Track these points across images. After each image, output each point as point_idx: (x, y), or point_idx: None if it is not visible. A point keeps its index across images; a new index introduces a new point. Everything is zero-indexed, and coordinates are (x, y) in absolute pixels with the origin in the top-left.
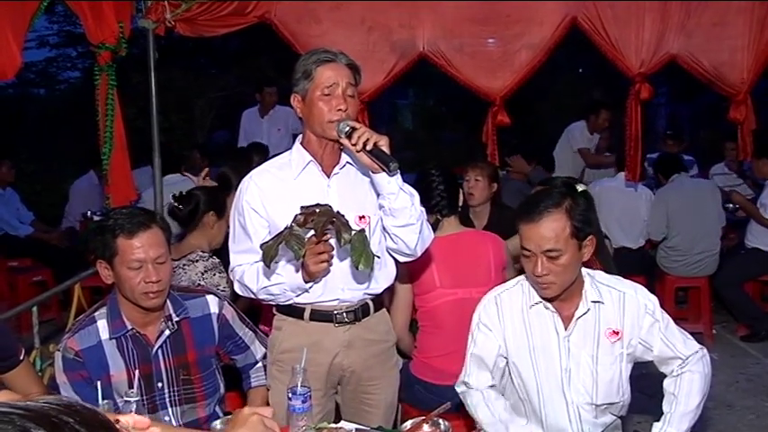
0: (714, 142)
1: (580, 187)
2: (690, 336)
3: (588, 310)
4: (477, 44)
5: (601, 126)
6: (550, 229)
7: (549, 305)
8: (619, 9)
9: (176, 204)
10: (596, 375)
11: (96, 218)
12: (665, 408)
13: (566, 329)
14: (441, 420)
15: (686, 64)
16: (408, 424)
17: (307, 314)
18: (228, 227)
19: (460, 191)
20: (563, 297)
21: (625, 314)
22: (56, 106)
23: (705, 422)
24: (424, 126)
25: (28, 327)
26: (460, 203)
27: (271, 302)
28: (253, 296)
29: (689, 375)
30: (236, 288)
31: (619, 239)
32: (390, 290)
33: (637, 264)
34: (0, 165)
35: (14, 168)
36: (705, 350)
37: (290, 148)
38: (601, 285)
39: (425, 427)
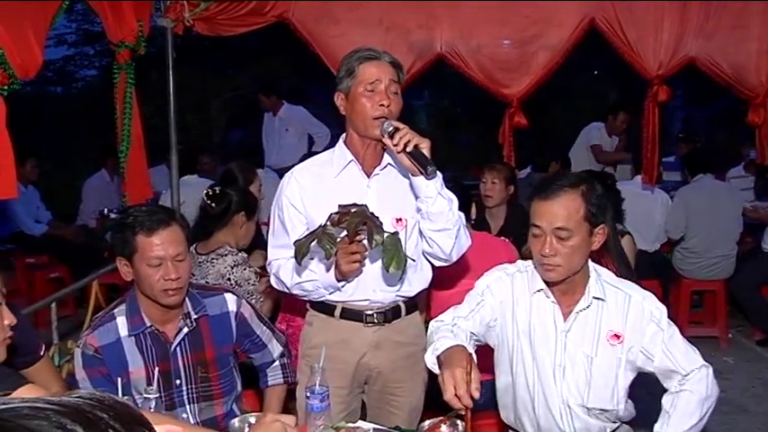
0: (731, 146)
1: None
2: (697, 351)
3: (589, 305)
4: (494, 45)
5: (619, 128)
6: (564, 207)
7: (550, 294)
8: (637, 11)
9: (209, 202)
10: (590, 377)
11: (113, 215)
12: (656, 427)
13: (564, 323)
14: (459, 421)
15: (705, 66)
16: (426, 424)
17: (337, 312)
18: (255, 229)
19: (473, 204)
20: (565, 288)
21: (628, 318)
22: (73, 104)
23: (720, 426)
24: (440, 127)
25: (45, 323)
26: (473, 215)
27: (304, 298)
28: (287, 290)
29: (686, 395)
30: (272, 282)
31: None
32: (426, 293)
33: (652, 267)
34: (25, 162)
35: (38, 167)
36: (710, 369)
37: (301, 148)
38: (607, 285)
39: (443, 427)
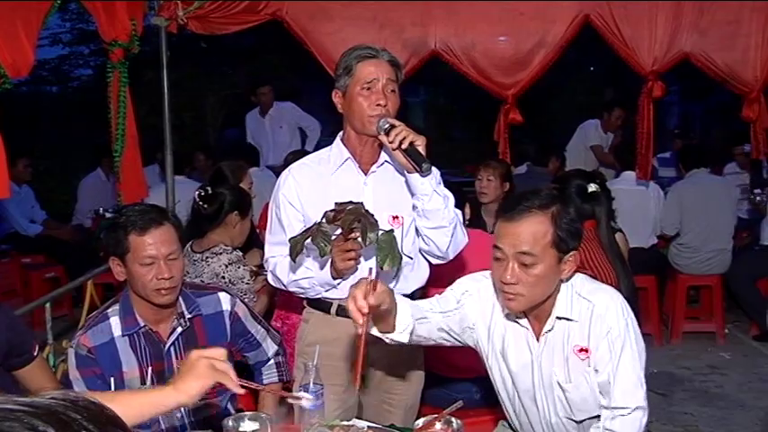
0: (726, 141)
1: (591, 187)
2: (644, 387)
3: (552, 327)
4: (489, 42)
5: (614, 125)
6: (529, 230)
7: (520, 318)
8: (632, 7)
9: (201, 203)
10: (568, 398)
11: (108, 215)
12: None
13: (537, 345)
14: (453, 419)
15: (699, 62)
16: (420, 422)
17: (333, 309)
18: (250, 227)
19: (467, 205)
20: (535, 313)
21: (591, 330)
22: (68, 104)
23: (717, 422)
24: (436, 124)
25: (41, 323)
26: (467, 215)
27: (301, 295)
28: (284, 287)
29: None
30: (269, 279)
31: (629, 239)
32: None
33: (648, 263)
34: (17, 162)
35: (31, 167)
36: (646, 413)
37: (295, 144)
38: (578, 298)
39: (438, 425)
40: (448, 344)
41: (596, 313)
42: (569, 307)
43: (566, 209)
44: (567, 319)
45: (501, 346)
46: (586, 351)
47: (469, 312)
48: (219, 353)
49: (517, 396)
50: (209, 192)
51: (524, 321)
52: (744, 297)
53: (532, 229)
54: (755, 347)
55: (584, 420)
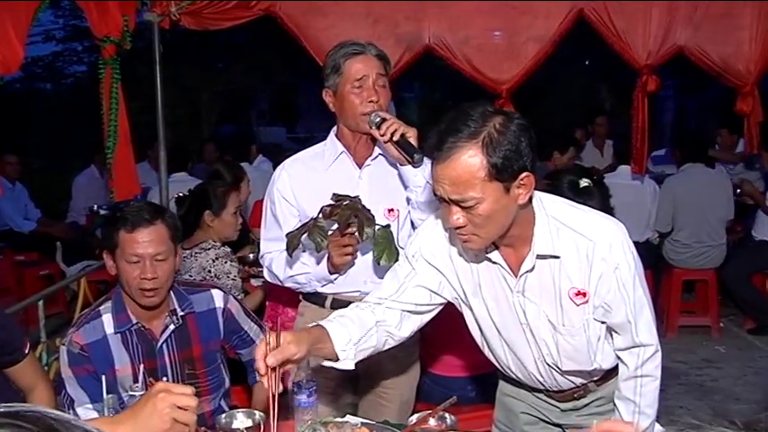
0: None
1: (583, 182)
2: (655, 325)
3: (533, 267)
4: (483, 36)
5: (569, 160)
6: (458, 170)
7: (490, 256)
8: (626, 1)
9: (176, 209)
10: (557, 341)
11: (102, 212)
12: (624, 415)
13: (516, 281)
14: (447, 415)
15: (693, 56)
16: (414, 418)
17: (328, 302)
18: (237, 220)
19: None
20: (507, 244)
21: (592, 270)
22: (62, 100)
23: (712, 416)
24: (431, 120)
25: (35, 321)
26: None
27: (297, 290)
28: (279, 283)
29: (650, 382)
30: (265, 275)
31: None
32: None
33: (643, 257)
34: (7, 159)
35: (21, 163)
36: (660, 353)
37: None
38: (562, 228)
39: (431, 421)
40: (436, 308)
41: (598, 250)
42: (551, 242)
43: (503, 125)
44: (553, 257)
45: (476, 288)
46: (584, 295)
47: (425, 273)
48: (187, 395)
49: (506, 343)
50: (181, 196)
51: (495, 255)
52: (739, 294)
53: (462, 168)
54: (750, 341)
55: (569, 372)
